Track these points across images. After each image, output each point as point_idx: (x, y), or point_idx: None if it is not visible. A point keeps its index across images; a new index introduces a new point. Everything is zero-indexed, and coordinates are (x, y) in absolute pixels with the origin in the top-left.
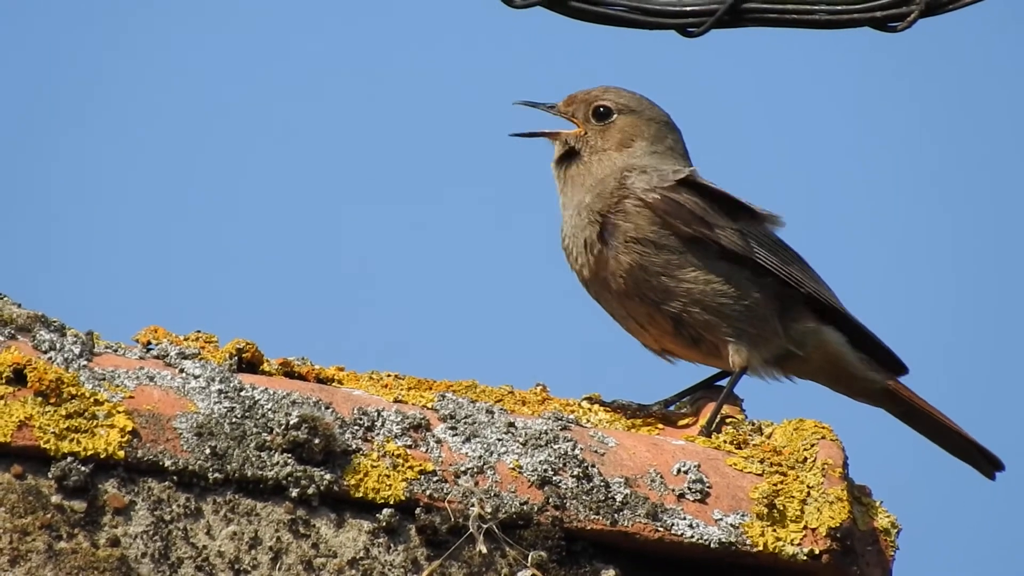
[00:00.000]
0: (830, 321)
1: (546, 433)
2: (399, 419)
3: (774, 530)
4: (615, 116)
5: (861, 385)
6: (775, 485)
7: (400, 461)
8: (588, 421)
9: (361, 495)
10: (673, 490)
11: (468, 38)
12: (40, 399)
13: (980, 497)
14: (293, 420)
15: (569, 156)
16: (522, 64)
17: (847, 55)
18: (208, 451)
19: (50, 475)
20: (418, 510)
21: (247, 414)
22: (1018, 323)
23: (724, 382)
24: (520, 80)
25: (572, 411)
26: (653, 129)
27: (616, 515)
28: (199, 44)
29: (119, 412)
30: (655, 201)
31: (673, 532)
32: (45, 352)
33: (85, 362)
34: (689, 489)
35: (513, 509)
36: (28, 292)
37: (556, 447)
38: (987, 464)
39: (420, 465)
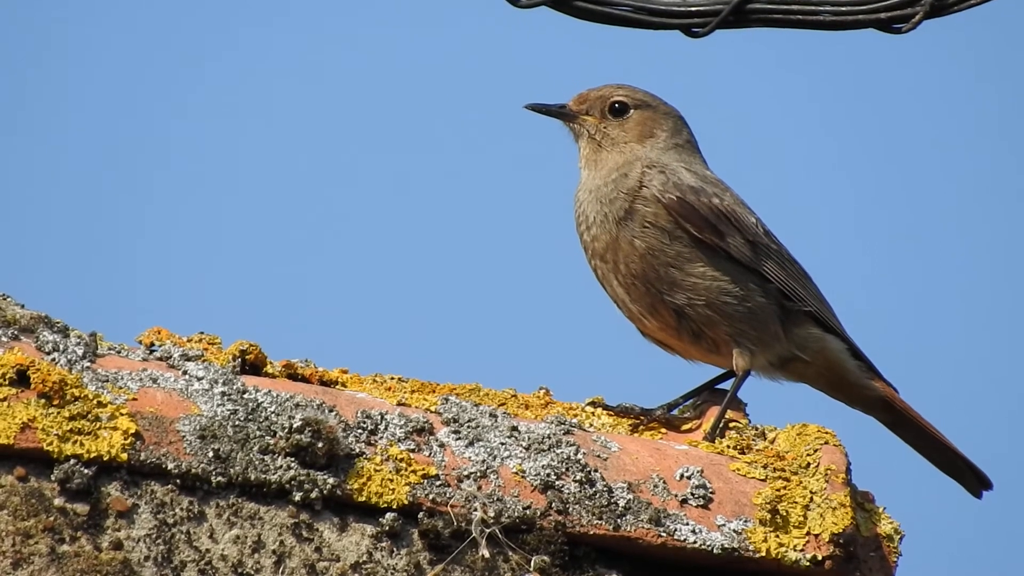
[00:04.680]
0: (830, 331)
1: (549, 437)
2: (402, 422)
3: (777, 536)
4: (631, 111)
5: (859, 393)
6: (778, 490)
7: (403, 465)
8: (591, 425)
9: (364, 499)
10: (676, 495)
11: (473, 38)
12: (43, 401)
13: (982, 504)
14: (296, 423)
15: (594, 145)
16: (527, 64)
17: (852, 56)
18: (211, 454)
19: (53, 478)
20: (421, 514)
21: (250, 417)
22: (1014, 336)
23: (727, 384)
24: (525, 80)
25: (575, 415)
26: (670, 123)
27: (619, 520)
28: (203, 43)
29: (122, 414)
30: (670, 202)
31: (676, 537)
32: (48, 353)
33: (88, 364)
34: (692, 494)
35: (516, 514)
36: (31, 293)
37: (559, 451)
38: (975, 481)
39: (423, 469)
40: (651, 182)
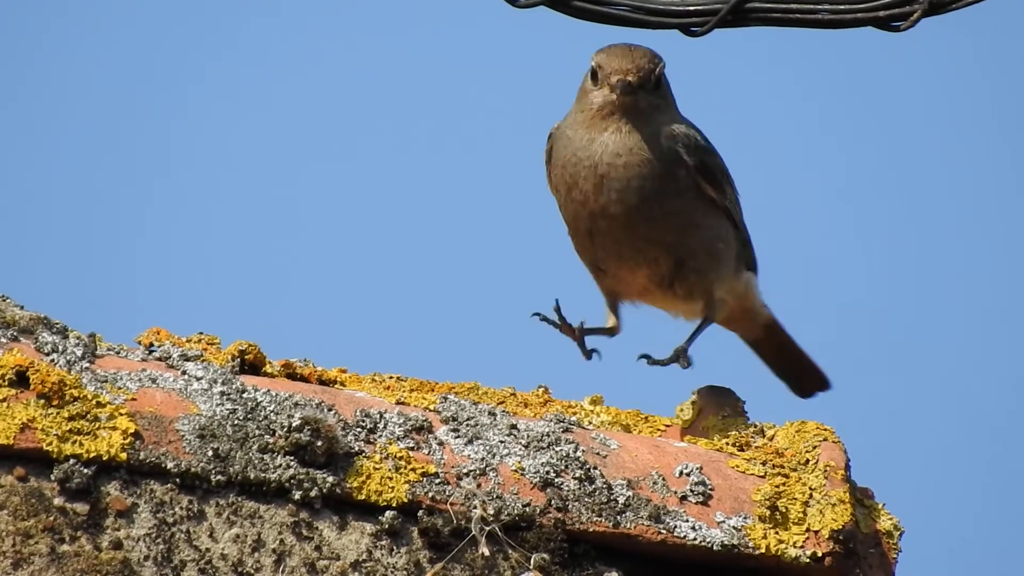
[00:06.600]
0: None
1: (548, 435)
2: (401, 421)
3: (776, 532)
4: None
5: (752, 319)
6: (777, 487)
7: (402, 463)
8: (590, 423)
9: (364, 497)
10: (675, 492)
11: (471, 37)
12: (42, 401)
13: (983, 499)
14: (296, 422)
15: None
16: (525, 64)
17: (850, 55)
18: (211, 453)
19: (53, 477)
20: (420, 512)
21: (249, 416)
22: (1013, 335)
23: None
24: (523, 80)
25: (574, 413)
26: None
27: (618, 517)
28: (202, 42)
29: (121, 414)
30: (696, 164)
31: (675, 534)
32: (47, 354)
33: (87, 364)
34: (691, 491)
35: (515, 511)
36: (30, 294)
37: (558, 449)
38: (819, 384)
39: (422, 467)
40: (678, 145)
